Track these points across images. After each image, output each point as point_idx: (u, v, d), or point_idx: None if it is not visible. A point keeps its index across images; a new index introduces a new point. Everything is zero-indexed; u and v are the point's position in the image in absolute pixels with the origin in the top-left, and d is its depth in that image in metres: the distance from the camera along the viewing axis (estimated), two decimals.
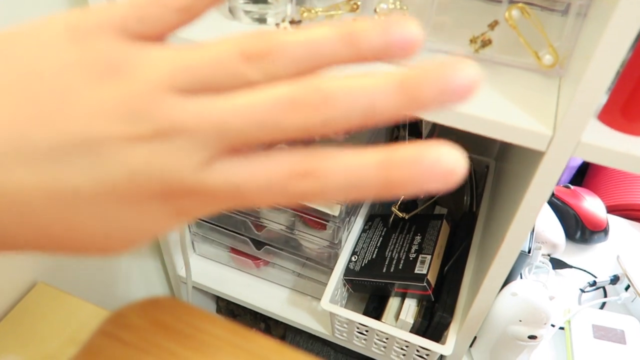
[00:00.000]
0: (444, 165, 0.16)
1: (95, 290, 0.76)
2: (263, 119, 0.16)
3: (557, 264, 0.91)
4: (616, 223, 0.99)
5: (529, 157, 0.52)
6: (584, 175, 1.22)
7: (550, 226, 0.94)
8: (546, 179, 0.46)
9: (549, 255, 0.92)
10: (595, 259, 0.94)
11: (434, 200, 0.82)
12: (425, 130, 0.76)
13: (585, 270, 0.91)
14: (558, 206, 0.97)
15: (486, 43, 0.48)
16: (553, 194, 0.99)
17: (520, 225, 0.51)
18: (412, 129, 0.76)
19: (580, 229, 0.95)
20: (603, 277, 0.88)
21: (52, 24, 0.18)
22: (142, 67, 0.17)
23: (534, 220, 0.50)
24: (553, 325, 0.81)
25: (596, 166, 1.15)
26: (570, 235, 0.95)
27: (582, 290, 0.87)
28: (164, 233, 0.19)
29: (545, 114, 0.45)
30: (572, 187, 1.01)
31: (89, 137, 0.16)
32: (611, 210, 1.03)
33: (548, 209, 0.97)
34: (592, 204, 0.97)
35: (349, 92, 0.16)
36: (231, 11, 0.55)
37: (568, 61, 0.47)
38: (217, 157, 0.17)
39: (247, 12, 0.54)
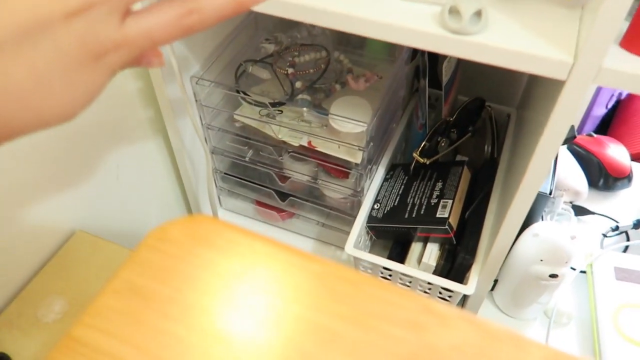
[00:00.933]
0: None
1: (128, 238, 0.79)
2: None
3: (580, 210, 0.91)
4: None
5: (550, 96, 0.52)
6: (608, 126, 1.21)
7: (572, 174, 0.94)
8: (567, 109, 0.47)
9: (571, 202, 0.92)
10: (619, 205, 0.94)
11: (456, 148, 0.83)
12: (444, 80, 0.76)
13: (607, 217, 0.91)
14: (581, 154, 0.97)
15: None
16: (575, 142, 0.99)
17: (541, 160, 0.52)
18: (431, 80, 0.76)
19: (603, 177, 0.95)
20: (626, 222, 0.88)
21: None
22: None
23: (554, 155, 0.51)
24: (574, 269, 0.82)
25: (621, 115, 1.14)
26: (593, 183, 0.95)
27: (605, 235, 0.88)
28: (103, 87, 0.24)
29: (567, 43, 0.45)
30: (595, 135, 1.00)
31: (40, 19, 0.21)
32: (636, 157, 1.02)
33: (570, 156, 0.96)
34: (615, 152, 0.97)
35: None
36: None
37: None
38: (127, 15, 0.24)
39: None
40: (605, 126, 1.20)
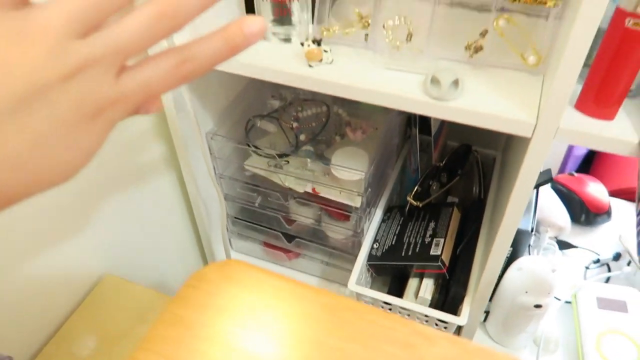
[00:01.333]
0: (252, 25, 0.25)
1: (150, 279, 0.86)
2: (141, 30, 0.23)
3: (564, 245, 0.98)
4: (618, 205, 1.06)
5: (522, 147, 0.60)
6: (590, 164, 1.29)
7: (556, 211, 1.01)
8: (534, 161, 0.55)
9: (555, 237, 1.00)
10: (599, 239, 1.01)
11: (447, 190, 0.91)
12: (434, 128, 0.85)
13: (589, 250, 0.98)
14: (563, 192, 1.05)
15: (478, 49, 0.57)
16: (558, 181, 1.07)
17: (516, 203, 0.60)
18: (422, 128, 0.85)
19: (584, 212, 1.03)
20: (606, 255, 0.96)
21: None
22: (41, 24, 0.22)
23: (526, 198, 0.59)
24: (559, 299, 0.88)
25: (600, 154, 1.23)
26: (575, 219, 1.02)
27: (587, 267, 0.95)
28: (102, 143, 0.25)
29: (530, 106, 0.54)
30: (576, 174, 1.08)
31: (36, 85, 0.21)
32: (615, 194, 1.10)
33: (554, 195, 1.04)
34: (594, 189, 1.05)
35: (187, 2, 0.24)
36: None
37: (548, 60, 0.56)
38: (122, 69, 0.24)
39: (274, 34, 0.64)
40: (587, 165, 1.29)
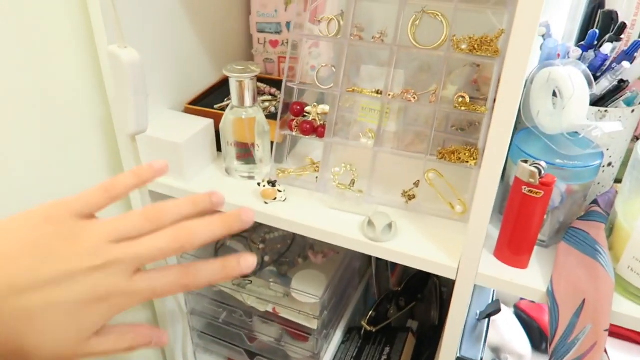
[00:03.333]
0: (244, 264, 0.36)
1: None
2: (159, 247, 0.34)
3: None
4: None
5: None
6: None
7: (516, 337, 1.04)
8: (461, 298, 0.60)
9: None
10: None
11: (409, 311, 0.95)
12: None
13: None
14: (524, 319, 1.08)
15: (411, 197, 0.65)
16: (519, 307, 1.10)
17: (451, 336, 0.64)
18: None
19: (544, 340, 1.05)
20: None
21: (32, 215, 0.34)
22: (92, 231, 0.33)
23: (459, 330, 0.63)
24: None
25: None
26: (535, 346, 1.04)
27: None
28: (102, 323, 0.33)
29: (454, 252, 0.60)
30: (535, 301, 1.12)
31: (73, 269, 0.31)
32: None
33: (516, 321, 1.07)
34: None
35: (198, 225, 0.35)
36: (227, 171, 0.73)
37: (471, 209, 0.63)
38: (138, 271, 0.33)
39: (238, 171, 0.72)
40: None
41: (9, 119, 0.60)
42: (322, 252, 0.91)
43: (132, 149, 0.63)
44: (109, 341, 0.34)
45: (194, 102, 0.80)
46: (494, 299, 0.91)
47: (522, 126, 0.61)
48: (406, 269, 1.05)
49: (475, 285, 0.93)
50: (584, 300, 0.52)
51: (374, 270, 0.90)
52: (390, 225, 0.61)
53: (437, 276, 1.01)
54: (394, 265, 0.93)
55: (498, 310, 0.85)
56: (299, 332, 0.87)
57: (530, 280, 0.56)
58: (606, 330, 0.50)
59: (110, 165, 0.75)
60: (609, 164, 0.61)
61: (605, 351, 0.66)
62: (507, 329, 1.04)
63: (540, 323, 1.06)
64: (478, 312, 0.88)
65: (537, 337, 1.06)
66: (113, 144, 0.73)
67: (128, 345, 0.35)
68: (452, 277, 0.59)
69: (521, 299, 1.17)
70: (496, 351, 1.02)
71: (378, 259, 0.91)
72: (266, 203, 0.67)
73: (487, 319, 0.88)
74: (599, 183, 0.63)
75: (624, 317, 0.52)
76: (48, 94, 0.63)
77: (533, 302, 1.12)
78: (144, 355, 0.98)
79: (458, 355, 0.82)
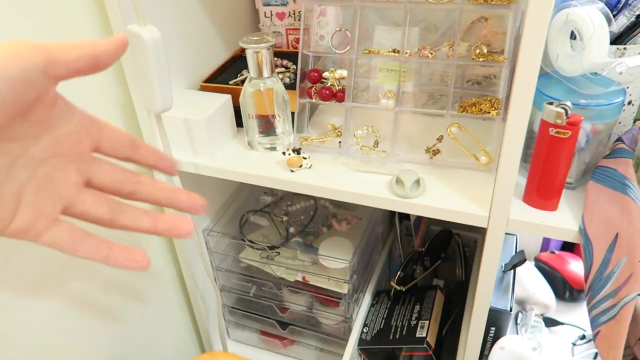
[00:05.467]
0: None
1: None
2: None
3: (550, 322, 1.02)
4: None
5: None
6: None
7: (540, 289, 1.06)
8: (492, 247, 0.61)
9: (542, 314, 1.03)
10: (585, 314, 1.04)
11: (433, 272, 0.96)
12: (413, 216, 0.92)
13: (576, 326, 1.01)
14: (546, 271, 1.10)
15: (436, 152, 0.66)
16: (541, 259, 1.12)
17: (483, 286, 0.65)
18: (402, 216, 0.92)
19: (567, 289, 1.07)
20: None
21: None
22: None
23: (491, 282, 0.65)
24: None
25: None
26: (559, 296, 1.06)
27: (574, 344, 0.98)
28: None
29: (484, 201, 0.61)
30: (557, 252, 1.14)
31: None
32: None
33: (538, 273, 1.09)
34: (576, 266, 1.09)
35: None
36: (250, 144, 0.74)
37: (498, 158, 0.64)
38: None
39: (260, 144, 0.73)
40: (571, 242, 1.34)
41: None
42: (346, 219, 0.92)
43: (158, 127, 0.64)
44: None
45: (209, 80, 0.80)
46: (518, 250, 0.92)
47: (540, 72, 0.62)
48: (428, 230, 1.07)
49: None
50: (617, 234, 0.53)
51: (398, 232, 0.92)
52: (418, 181, 0.62)
53: (458, 235, 1.03)
54: (417, 227, 0.95)
55: (524, 261, 0.86)
56: (329, 298, 0.88)
57: (562, 221, 0.57)
58: None
59: None
60: (629, 103, 0.62)
61: None
62: (530, 282, 1.06)
63: (562, 273, 1.08)
64: (503, 264, 0.90)
65: (560, 287, 1.08)
66: (134, 125, 0.74)
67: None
68: (484, 225, 0.60)
69: (541, 251, 1.19)
70: (521, 304, 1.04)
71: (400, 222, 0.92)
72: (292, 171, 0.68)
73: (512, 270, 0.89)
74: (620, 122, 0.64)
75: None
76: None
77: (553, 252, 1.14)
78: (178, 337, 1.00)
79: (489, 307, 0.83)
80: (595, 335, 0.54)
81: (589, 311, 0.55)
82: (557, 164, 0.55)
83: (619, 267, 0.53)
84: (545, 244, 1.23)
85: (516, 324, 1.03)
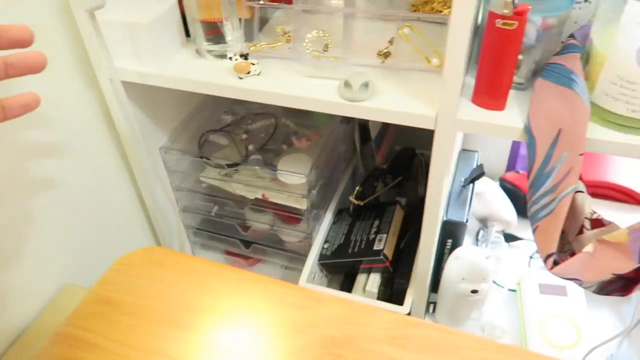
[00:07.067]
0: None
1: None
2: None
3: (510, 237, 1.04)
4: None
5: None
6: None
7: (502, 206, 1.07)
8: (441, 151, 0.61)
9: (502, 231, 1.05)
10: None
11: (396, 190, 0.97)
12: (373, 133, 0.91)
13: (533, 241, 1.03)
14: (510, 189, 1.11)
15: (387, 55, 0.64)
16: (505, 179, 1.13)
17: (432, 194, 0.65)
18: (363, 133, 0.92)
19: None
20: None
21: None
22: None
23: (441, 189, 0.65)
24: (495, 283, 0.94)
25: None
26: (522, 213, 1.08)
27: (531, 257, 1.00)
28: None
29: (432, 102, 0.60)
30: (521, 171, 1.15)
31: None
32: None
33: (501, 191, 1.10)
34: None
35: None
36: (198, 52, 0.71)
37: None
38: None
39: (210, 51, 0.70)
40: None
41: None
42: (306, 136, 0.91)
43: (93, 27, 0.61)
44: None
45: None
46: (478, 164, 0.93)
47: None
48: (392, 147, 1.06)
49: (460, 152, 0.94)
50: (560, 130, 0.52)
51: (358, 149, 0.91)
52: (366, 84, 0.61)
53: (422, 154, 1.03)
54: (379, 145, 0.94)
55: (482, 174, 0.87)
56: (290, 215, 0.89)
57: (509, 119, 0.57)
58: (581, 155, 0.52)
59: (75, 53, 0.72)
60: (586, 1, 0.60)
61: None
62: (493, 200, 1.07)
63: (525, 191, 1.10)
64: (462, 179, 0.90)
65: (522, 204, 1.09)
66: (75, 29, 0.70)
67: None
68: (431, 127, 0.59)
69: (506, 171, 1.19)
70: (484, 221, 1.06)
71: (362, 139, 0.91)
72: (241, 78, 0.66)
73: (471, 185, 0.90)
74: (575, 22, 0.62)
75: (599, 142, 0.53)
76: None
77: (518, 172, 1.15)
78: None
79: (445, 219, 0.85)
80: (534, 230, 0.55)
81: (529, 208, 0.56)
82: (505, 58, 0.53)
83: (559, 163, 0.53)
84: (512, 163, 1.24)
85: (477, 239, 1.05)
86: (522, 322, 0.89)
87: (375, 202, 0.93)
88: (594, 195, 1.09)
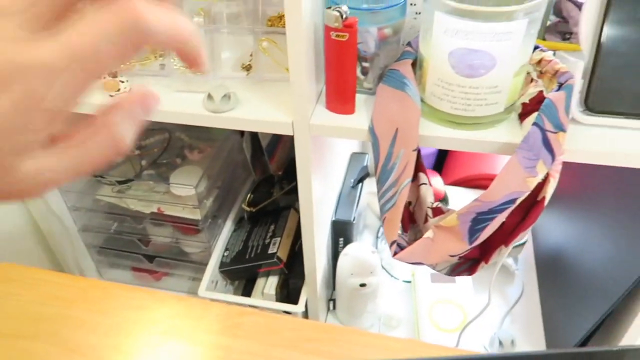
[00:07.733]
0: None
1: None
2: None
3: None
4: (455, 192, 1.20)
5: None
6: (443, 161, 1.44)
7: None
8: (302, 152, 0.65)
9: None
10: None
11: (295, 195, 1.00)
12: (264, 142, 0.95)
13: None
14: None
15: (249, 68, 0.68)
16: None
17: (304, 196, 0.70)
18: (253, 143, 0.95)
19: None
20: None
21: None
22: None
23: (310, 191, 0.69)
24: (392, 275, 0.99)
25: (448, 152, 1.38)
26: None
27: None
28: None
29: (289, 110, 0.64)
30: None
31: None
32: (455, 183, 1.24)
33: None
34: (435, 182, 1.18)
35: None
36: None
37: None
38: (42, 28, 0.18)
39: None
40: (440, 162, 1.44)
41: None
42: (199, 149, 0.94)
43: None
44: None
45: None
46: (365, 165, 0.98)
47: None
48: (288, 154, 1.10)
49: (351, 155, 0.99)
50: (397, 129, 0.58)
51: (248, 158, 0.94)
52: (228, 96, 0.64)
53: None
54: (272, 152, 0.98)
55: (367, 175, 0.92)
56: (187, 226, 0.91)
57: (357, 122, 0.62)
58: (414, 151, 0.57)
59: None
60: (419, 13, 0.66)
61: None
62: None
63: None
64: (352, 180, 0.95)
65: None
66: None
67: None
68: (290, 133, 0.63)
69: None
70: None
71: (254, 148, 0.95)
72: (111, 96, 0.68)
73: (360, 185, 0.95)
74: (411, 28, 0.68)
75: (432, 138, 0.59)
76: None
77: None
78: None
79: (333, 218, 0.89)
80: (383, 221, 0.60)
81: (379, 201, 0.60)
82: (344, 67, 0.58)
83: (399, 159, 0.58)
84: None
85: (377, 237, 1.11)
86: (415, 310, 0.95)
87: (272, 208, 0.97)
88: (478, 187, 1.18)
